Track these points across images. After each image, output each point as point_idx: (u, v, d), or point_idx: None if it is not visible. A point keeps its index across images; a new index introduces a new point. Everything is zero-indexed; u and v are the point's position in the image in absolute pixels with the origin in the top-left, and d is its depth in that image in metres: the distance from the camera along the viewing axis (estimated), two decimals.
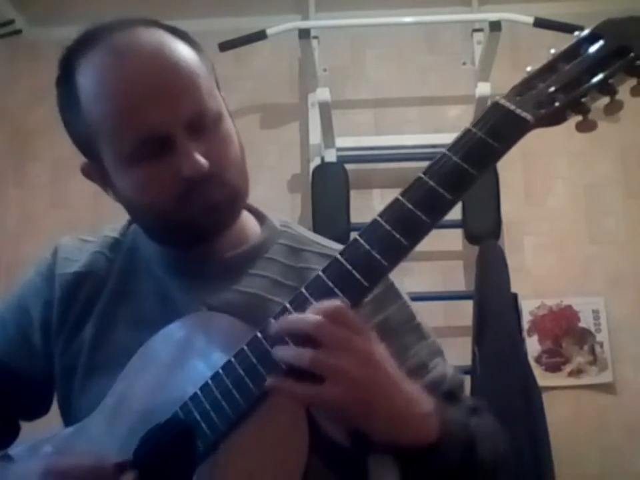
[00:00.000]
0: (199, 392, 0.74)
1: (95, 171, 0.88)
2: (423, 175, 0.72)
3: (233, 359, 0.73)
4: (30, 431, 0.99)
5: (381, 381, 0.69)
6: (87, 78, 0.83)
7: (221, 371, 0.73)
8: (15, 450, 0.89)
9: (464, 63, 2.87)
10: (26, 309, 0.95)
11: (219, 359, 0.74)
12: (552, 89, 0.73)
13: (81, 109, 0.83)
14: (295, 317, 0.71)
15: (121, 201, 0.89)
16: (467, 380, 2.24)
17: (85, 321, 0.91)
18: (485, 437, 0.79)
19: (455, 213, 2.41)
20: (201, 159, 0.80)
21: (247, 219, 0.95)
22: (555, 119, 0.73)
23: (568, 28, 2.30)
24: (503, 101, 0.74)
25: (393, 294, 0.91)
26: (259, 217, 0.98)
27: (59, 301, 0.93)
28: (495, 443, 0.81)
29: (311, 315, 0.69)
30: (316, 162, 2.72)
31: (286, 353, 0.70)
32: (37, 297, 0.94)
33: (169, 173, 0.81)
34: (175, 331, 0.83)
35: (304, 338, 0.68)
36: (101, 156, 0.86)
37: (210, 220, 0.85)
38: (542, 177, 2.80)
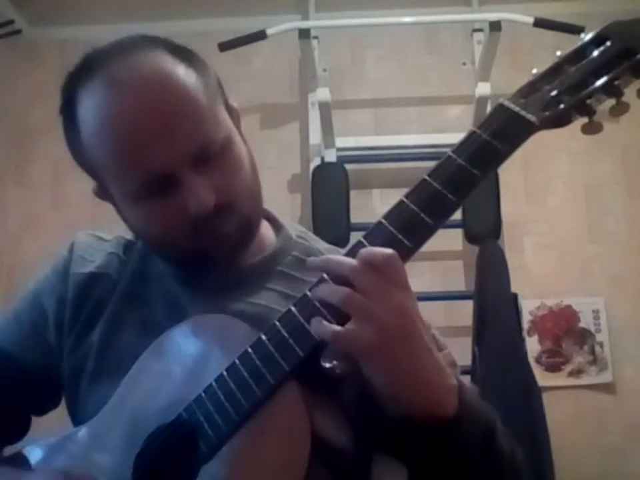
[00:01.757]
0: (202, 394, 0.74)
1: (106, 196, 0.88)
2: (427, 177, 0.72)
3: (237, 361, 0.72)
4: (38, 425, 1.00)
5: (409, 337, 0.67)
6: (86, 113, 0.81)
7: (225, 372, 0.73)
8: (27, 449, 0.90)
9: (464, 63, 2.87)
10: (41, 305, 0.94)
11: (223, 361, 0.74)
12: (557, 90, 0.73)
13: (83, 144, 0.82)
14: (335, 258, 0.70)
15: (131, 229, 0.88)
16: (467, 380, 2.24)
17: (94, 323, 0.91)
18: (505, 432, 0.77)
19: (455, 213, 2.41)
20: (207, 195, 0.78)
21: (262, 226, 0.94)
22: (560, 120, 0.72)
23: (568, 28, 2.30)
24: (507, 103, 0.73)
25: None
26: (276, 225, 0.96)
27: (71, 301, 0.92)
28: (512, 444, 0.78)
29: (351, 259, 0.68)
30: (316, 162, 2.72)
31: (321, 289, 0.69)
32: (51, 294, 0.94)
33: (176, 210, 0.79)
34: (181, 332, 0.82)
35: (343, 281, 0.68)
36: (108, 188, 0.85)
37: (223, 250, 0.84)
38: (542, 177, 2.80)
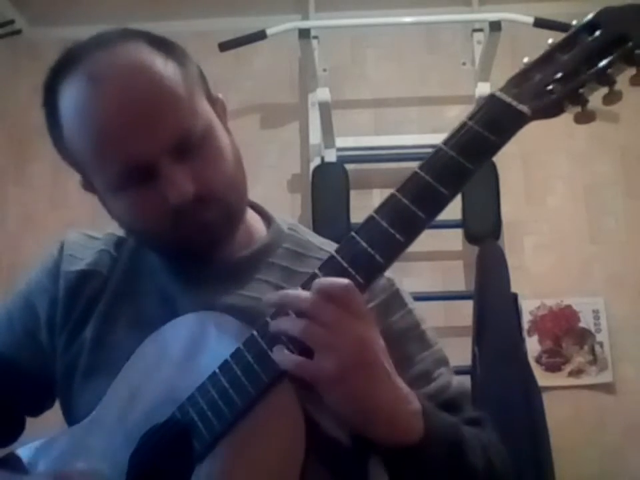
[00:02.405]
0: (196, 392, 0.74)
1: (91, 188, 0.88)
2: (419, 170, 0.72)
3: (229, 359, 0.73)
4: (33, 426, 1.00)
5: (369, 367, 0.68)
6: (66, 106, 0.82)
7: (217, 370, 0.73)
8: (21, 450, 0.90)
9: (464, 63, 2.87)
10: (32, 306, 0.94)
11: (216, 358, 0.74)
12: (549, 80, 0.72)
13: (65, 137, 0.83)
14: (292, 293, 0.71)
15: (116, 221, 0.88)
16: (467, 380, 2.24)
17: (86, 320, 0.91)
18: (477, 445, 0.77)
19: (455, 213, 2.41)
20: (186, 185, 0.78)
21: (253, 220, 0.95)
22: (552, 110, 0.72)
23: (568, 28, 2.30)
24: (499, 94, 0.72)
25: (398, 301, 0.90)
26: (267, 218, 0.97)
27: (62, 300, 0.93)
28: (490, 454, 0.79)
29: (306, 293, 0.69)
30: (316, 162, 2.72)
31: (281, 322, 0.70)
32: (43, 295, 0.94)
33: (156, 200, 0.80)
34: (173, 330, 0.82)
35: (302, 314, 0.69)
36: (91, 179, 0.86)
37: (204, 239, 0.84)
38: (542, 177, 2.80)
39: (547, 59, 0.74)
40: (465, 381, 2.23)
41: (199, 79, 0.86)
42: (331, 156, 2.72)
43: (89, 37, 0.84)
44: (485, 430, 0.83)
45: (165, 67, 0.81)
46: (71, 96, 0.81)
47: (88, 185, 0.88)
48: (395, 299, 0.90)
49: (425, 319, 0.92)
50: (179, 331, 0.82)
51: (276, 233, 0.94)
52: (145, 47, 0.82)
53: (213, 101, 0.88)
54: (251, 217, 0.95)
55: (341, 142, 2.73)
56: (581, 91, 0.71)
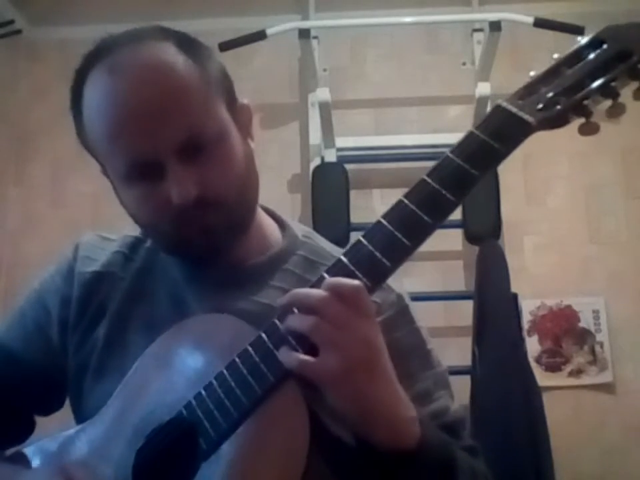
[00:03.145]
0: (202, 391, 0.75)
1: (107, 176, 0.89)
2: (426, 177, 0.73)
3: (236, 359, 0.73)
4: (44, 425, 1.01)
5: (373, 367, 0.69)
6: (89, 95, 0.83)
7: (224, 371, 0.74)
8: (28, 448, 0.91)
9: (464, 63, 2.87)
10: (45, 305, 0.95)
11: (223, 359, 0.74)
12: (554, 92, 0.74)
13: (84, 124, 0.84)
14: (302, 290, 0.72)
15: (126, 211, 0.89)
16: (467, 380, 2.24)
17: (99, 320, 0.92)
18: (468, 470, 0.77)
19: (455, 213, 2.38)
20: (189, 186, 0.79)
21: (268, 225, 0.95)
22: (557, 121, 0.73)
23: (568, 28, 2.30)
24: (505, 104, 0.74)
25: (407, 317, 0.91)
26: (281, 224, 0.97)
27: (76, 300, 0.93)
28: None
29: (317, 290, 0.70)
30: (316, 162, 2.72)
31: (289, 319, 0.71)
32: (56, 294, 0.95)
33: (161, 198, 0.80)
34: (183, 331, 0.83)
35: (311, 312, 0.69)
36: (106, 168, 0.87)
37: (205, 242, 0.84)
38: (542, 177, 2.81)
39: (553, 72, 0.76)
40: (465, 381, 2.23)
41: (221, 85, 0.86)
42: (330, 156, 2.72)
43: (123, 31, 0.86)
44: (478, 460, 0.84)
45: (184, 67, 0.82)
46: (92, 85, 0.83)
47: (105, 173, 0.89)
48: (403, 315, 0.90)
49: (431, 340, 0.92)
50: (188, 332, 0.83)
51: (291, 239, 0.94)
52: (171, 47, 0.83)
53: (235, 108, 0.88)
54: (266, 222, 0.95)
55: (340, 142, 2.73)
56: (585, 102, 0.73)
